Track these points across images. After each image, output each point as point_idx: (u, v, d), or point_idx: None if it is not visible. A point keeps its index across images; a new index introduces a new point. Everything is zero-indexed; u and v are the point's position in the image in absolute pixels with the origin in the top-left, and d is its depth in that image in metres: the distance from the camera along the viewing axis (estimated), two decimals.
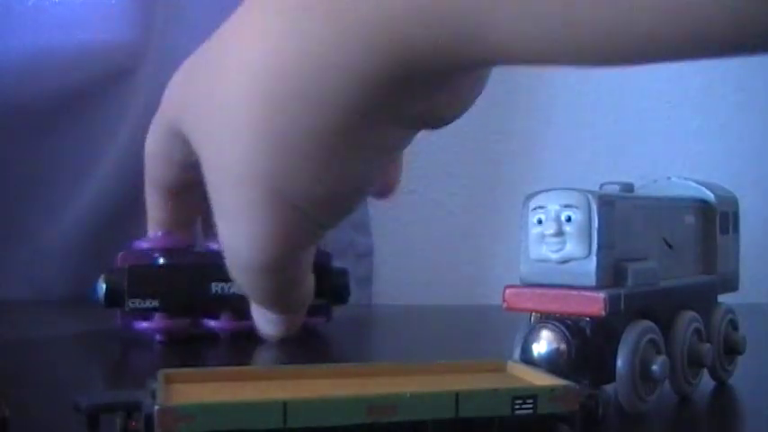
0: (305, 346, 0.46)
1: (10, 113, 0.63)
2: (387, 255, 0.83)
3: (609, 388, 0.30)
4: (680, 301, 0.34)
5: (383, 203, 0.46)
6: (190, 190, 0.40)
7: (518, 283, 0.31)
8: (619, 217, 0.31)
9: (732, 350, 0.36)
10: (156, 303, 0.45)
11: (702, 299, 0.35)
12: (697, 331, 0.34)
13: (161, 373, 0.25)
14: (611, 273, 0.30)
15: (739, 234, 0.39)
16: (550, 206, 0.30)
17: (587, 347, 0.30)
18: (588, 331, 0.30)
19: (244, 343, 0.45)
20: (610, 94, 0.87)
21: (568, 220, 0.30)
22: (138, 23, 0.64)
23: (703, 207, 0.37)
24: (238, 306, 0.42)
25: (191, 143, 0.34)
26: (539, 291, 0.30)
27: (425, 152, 0.81)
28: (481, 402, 0.24)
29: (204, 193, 0.34)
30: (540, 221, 0.30)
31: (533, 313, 0.31)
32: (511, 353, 0.31)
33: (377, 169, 0.32)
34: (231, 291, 0.44)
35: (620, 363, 0.30)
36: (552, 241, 0.30)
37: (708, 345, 0.34)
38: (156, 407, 0.21)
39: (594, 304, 0.29)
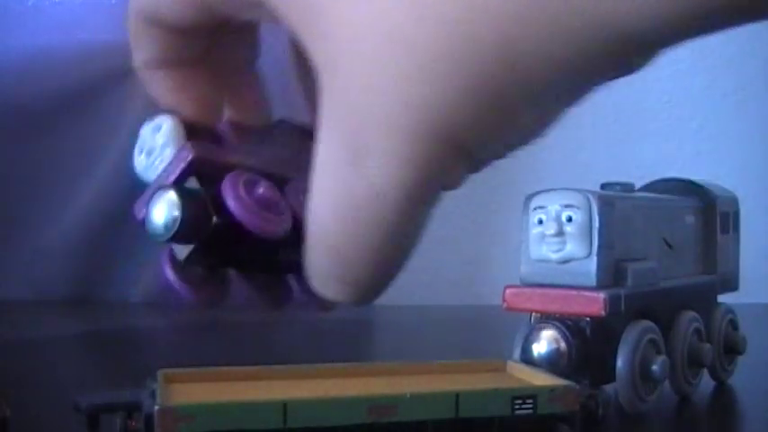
0: (305, 346, 0.46)
1: (10, 113, 0.63)
2: None
3: (609, 388, 0.30)
4: (680, 301, 0.34)
5: None
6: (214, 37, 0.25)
7: (518, 283, 0.31)
8: (619, 217, 0.31)
9: (732, 350, 0.36)
10: None
11: (702, 299, 0.35)
12: (697, 331, 0.34)
13: (161, 373, 0.25)
14: (612, 273, 0.30)
15: (739, 234, 0.39)
16: (551, 206, 0.30)
17: (587, 347, 0.30)
18: (588, 331, 0.30)
19: (244, 342, 0.45)
20: (610, 94, 0.87)
21: (569, 220, 0.30)
22: None
23: (703, 207, 0.37)
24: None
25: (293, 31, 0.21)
26: (539, 291, 0.30)
27: None
28: (481, 402, 0.24)
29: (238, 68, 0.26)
30: (540, 221, 0.30)
31: (533, 313, 0.31)
32: (511, 353, 0.31)
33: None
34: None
35: (620, 363, 0.30)
36: (553, 241, 0.30)
37: (708, 345, 0.34)
38: (156, 407, 0.21)
39: (595, 304, 0.29)
